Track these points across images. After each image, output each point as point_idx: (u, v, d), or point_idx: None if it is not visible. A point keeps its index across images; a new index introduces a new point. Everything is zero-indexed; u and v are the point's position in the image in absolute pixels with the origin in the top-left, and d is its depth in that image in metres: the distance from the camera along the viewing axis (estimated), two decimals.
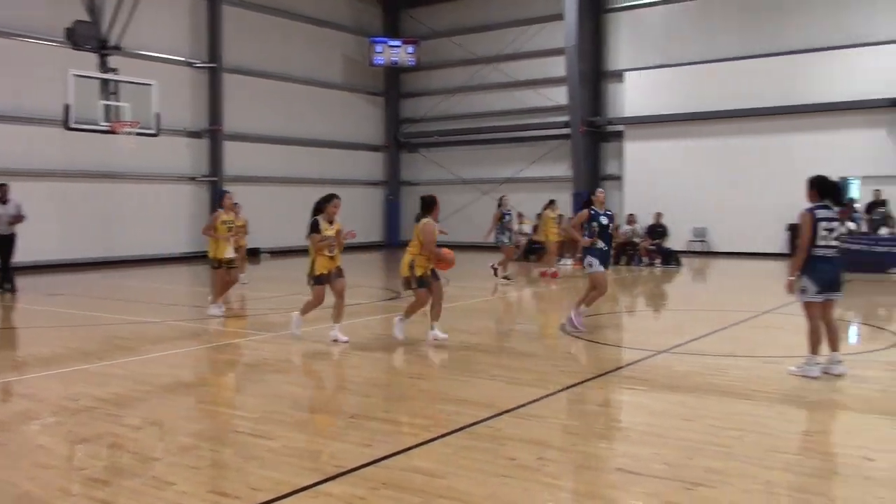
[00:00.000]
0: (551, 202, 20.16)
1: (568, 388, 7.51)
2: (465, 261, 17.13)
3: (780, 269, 19.77)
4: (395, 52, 30.98)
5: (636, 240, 22.72)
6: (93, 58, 17.96)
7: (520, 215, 23.77)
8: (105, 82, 17.64)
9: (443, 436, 5.93)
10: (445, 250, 9.74)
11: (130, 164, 22.94)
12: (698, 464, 5.27)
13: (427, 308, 9.89)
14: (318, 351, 9.69)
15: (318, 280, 9.87)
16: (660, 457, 5.40)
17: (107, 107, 17.57)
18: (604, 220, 10.68)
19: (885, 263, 18.59)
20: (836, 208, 7.97)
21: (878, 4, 22.90)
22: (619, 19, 27.55)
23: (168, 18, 24.63)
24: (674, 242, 23.31)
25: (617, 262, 22.47)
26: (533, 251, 23.63)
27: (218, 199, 13.00)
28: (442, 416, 6.58)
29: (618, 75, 27.35)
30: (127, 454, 5.68)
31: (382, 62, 31.07)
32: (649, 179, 25.97)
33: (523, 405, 6.81)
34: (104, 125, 17.55)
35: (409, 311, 9.98)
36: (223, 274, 12.63)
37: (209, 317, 12.30)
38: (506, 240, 17.84)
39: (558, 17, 27.11)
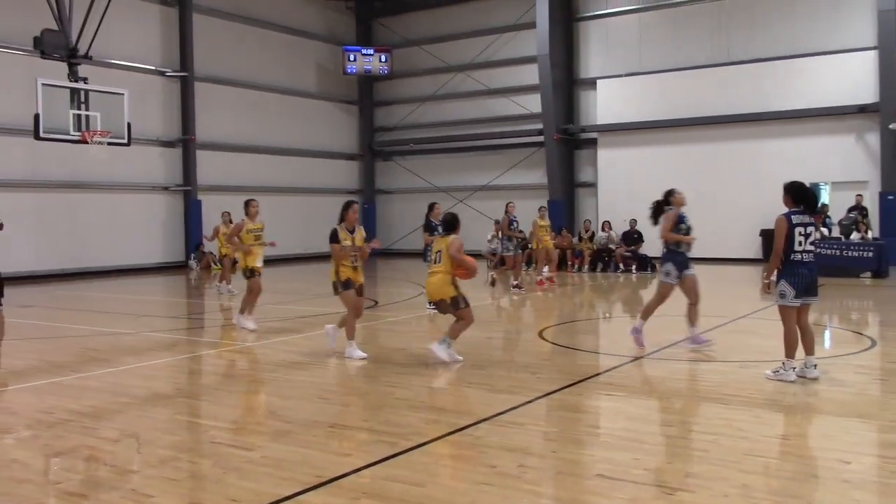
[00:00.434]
0: (542, 209, 19.71)
1: (547, 394, 7.53)
2: None
3: (753, 275, 19.99)
4: (369, 61, 30.98)
5: (611, 246, 22.83)
6: (62, 67, 17.76)
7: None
8: (75, 91, 17.42)
9: (422, 444, 5.92)
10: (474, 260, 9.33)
11: (102, 174, 22.75)
12: (677, 468, 5.31)
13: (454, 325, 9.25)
14: (296, 361, 9.63)
15: (345, 285, 9.37)
16: (639, 462, 5.43)
17: (77, 116, 17.36)
18: (689, 222, 9.82)
19: (857, 268, 18.83)
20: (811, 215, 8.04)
21: (846, 13, 23.27)
22: (590, 28, 27.76)
23: (138, 27, 24.46)
24: (649, 249, 23.42)
25: (593, 269, 22.60)
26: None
27: (244, 206, 12.45)
28: (421, 424, 6.57)
29: (590, 83, 27.55)
30: (104, 467, 5.62)
31: (355, 71, 31.06)
32: (623, 186, 26.13)
33: (502, 413, 6.82)
34: (75, 135, 17.34)
35: (457, 332, 9.12)
36: (255, 283, 11.99)
37: (243, 329, 11.70)
38: (511, 248, 17.26)
39: (530, 25, 27.29)
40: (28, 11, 19.29)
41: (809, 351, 7.97)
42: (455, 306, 8.98)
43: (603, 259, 22.72)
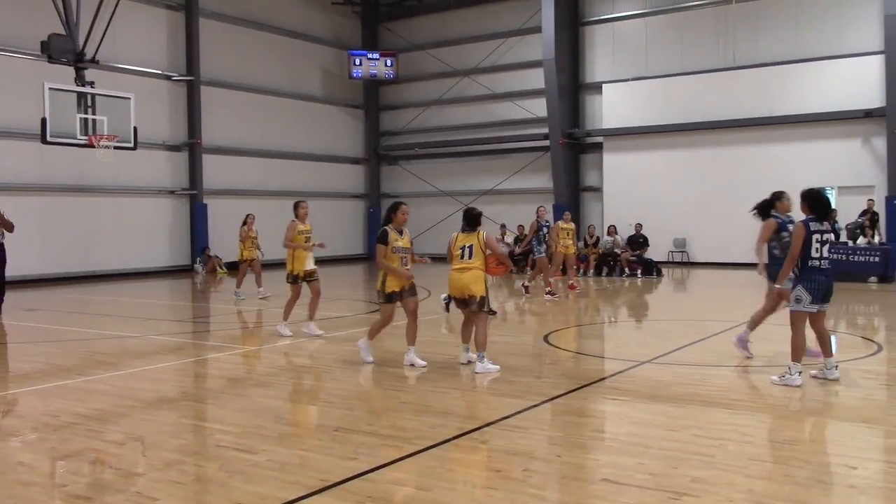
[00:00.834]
0: (565, 213, 19.42)
1: (552, 399, 7.53)
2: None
3: (759, 280, 19.89)
4: (374, 65, 31.01)
5: (617, 251, 22.83)
6: (69, 71, 17.85)
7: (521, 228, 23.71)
8: (82, 95, 17.52)
9: (427, 448, 5.92)
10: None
11: (109, 178, 22.82)
12: (682, 473, 5.29)
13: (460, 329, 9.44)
14: (301, 364, 9.64)
15: (388, 298, 9.06)
16: (644, 467, 5.42)
17: (84, 120, 17.46)
18: (792, 229, 8.36)
19: (864, 272, 18.79)
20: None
21: (852, 17, 23.23)
22: (596, 32, 27.75)
23: (145, 31, 24.53)
24: (654, 253, 23.45)
25: (598, 274, 22.58)
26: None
27: (293, 208, 12.16)
28: (426, 428, 6.56)
29: (596, 87, 27.55)
30: (109, 470, 5.63)
31: (361, 75, 31.09)
32: (629, 191, 26.14)
33: (508, 417, 6.81)
34: (81, 139, 17.43)
35: (482, 337, 8.96)
36: (298, 290, 11.73)
37: (280, 336, 11.52)
38: (542, 252, 16.86)
39: (536, 29, 27.32)
40: (35, 16, 19.39)
41: (828, 353, 8.11)
42: (481, 305, 8.91)
43: (608, 263, 22.71)
